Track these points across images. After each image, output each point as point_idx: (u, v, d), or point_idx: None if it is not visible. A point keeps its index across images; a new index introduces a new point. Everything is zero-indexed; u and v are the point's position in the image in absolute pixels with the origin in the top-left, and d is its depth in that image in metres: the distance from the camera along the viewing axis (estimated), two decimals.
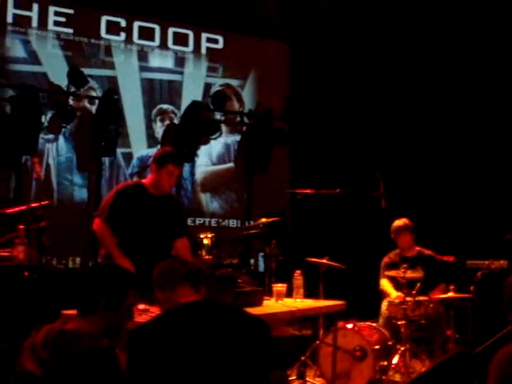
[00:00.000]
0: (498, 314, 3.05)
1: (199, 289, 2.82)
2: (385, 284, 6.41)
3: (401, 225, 6.49)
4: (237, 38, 8.77)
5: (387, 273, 6.30)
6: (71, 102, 7.47)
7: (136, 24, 8.13)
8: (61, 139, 7.58)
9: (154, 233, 4.81)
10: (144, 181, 5.03)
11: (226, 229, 8.37)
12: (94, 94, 7.78)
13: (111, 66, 7.98)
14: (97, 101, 7.56)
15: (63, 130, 7.51)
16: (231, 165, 8.62)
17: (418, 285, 5.99)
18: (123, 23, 8.04)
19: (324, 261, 5.63)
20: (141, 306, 3.94)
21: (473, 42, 8.03)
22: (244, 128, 8.53)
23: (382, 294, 6.45)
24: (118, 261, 4.52)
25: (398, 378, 5.77)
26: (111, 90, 7.48)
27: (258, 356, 2.57)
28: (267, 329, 2.70)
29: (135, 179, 7.56)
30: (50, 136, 7.50)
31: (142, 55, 8.18)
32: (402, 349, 5.76)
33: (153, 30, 8.27)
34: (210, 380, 2.43)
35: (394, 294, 6.21)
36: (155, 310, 3.90)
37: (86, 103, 7.69)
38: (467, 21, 7.99)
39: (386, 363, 5.75)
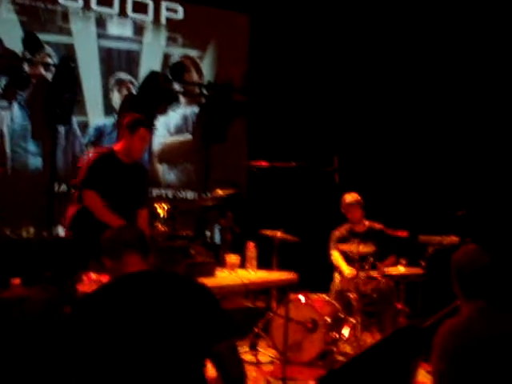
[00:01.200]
0: (448, 289, 3.12)
1: (147, 257, 2.80)
2: (337, 257, 6.48)
3: (351, 200, 6.57)
4: (197, 8, 8.67)
5: (340, 246, 6.38)
6: (26, 68, 7.31)
7: None
8: (15, 107, 7.43)
9: (123, 202, 4.86)
10: (115, 148, 5.01)
11: (182, 200, 8.36)
12: (50, 61, 7.62)
13: (68, 33, 7.82)
14: (53, 68, 7.41)
15: (18, 97, 7.36)
16: (189, 136, 8.58)
17: (371, 259, 6.09)
18: None
19: (278, 234, 5.68)
20: (93, 276, 3.93)
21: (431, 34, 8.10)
22: (203, 100, 8.48)
23: (334, 267, 6.54)
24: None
25: (348, 349, 5.89)
26: (68, 57, 7.33)
27: (205, 325, 2.57)
28: (214, 298, 2.70)
29: (90, 148, 7.52)
30: (4, 103, 7.35)
31: (101, 22, 8.03)
32: (354, 321, 5.86)
33: None
34: (155, 350, 2.43)
35: (346, 269, 6.29)
36: (106, 279, 3.90)
37: (42, 70, 7.53)
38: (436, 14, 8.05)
39: (337, 335, 5.84)
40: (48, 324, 2.42)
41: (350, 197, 6.58)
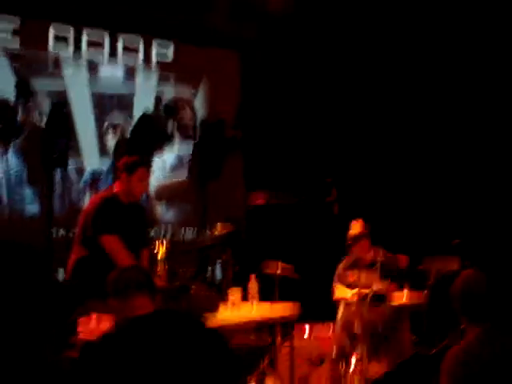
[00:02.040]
0: (453, 316, 3.10)
1: (155, 298, 2.79)
2: (339, 288, 6.42)
3: (357, 233, 6.49)
4: (187, 47, 8.73)
5: (343, 279, 6.32)
6: (19, 115, 7.34)
7: (85, 35, 8.00)
8: (10, 153, 7.44)
9: (129, 243, 4.82)
10: (115, 190, 5.00)
11: (182, 237, 8.33)
12: (43, 107, 7.64)
13: (60, 79, 7.85)
14: (46, 114, 7.44)
15: (12, 144, 7.38)
16: (185, 175, 8.58)
17: (375, 288, 6.04)
18: (71, 35, 7.92)
19: (278, 271, 5.66)
20: (94, 316, 3.89)
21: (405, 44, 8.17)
22: (197, 137, 8.51)
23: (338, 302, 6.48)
24: None
25: (356, 381, 5.82)
26: (60, 103, 7.37)
27: (217, 370, 2.54)
28: (225, 341, 2.67)
29: (87, 192, 7.52)
30: None
31: (92, 67, 8.06)
32: (360, 353, 5.80)
33: (102, 41, 8.17)
34: None
35: (349, 293, 6.23)
36: (108, 320, 3.86)
37: (35, 116, 7.57)
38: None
39: (343, 367, 5.78)
40: (46, 368, 2.37)
41: (355, 231, 6.48)
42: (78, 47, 7.95)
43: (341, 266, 6.55)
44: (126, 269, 3.02)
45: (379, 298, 6.09)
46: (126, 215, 4.92)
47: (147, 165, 5.03)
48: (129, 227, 4.90)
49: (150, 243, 5.27)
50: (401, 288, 6.09)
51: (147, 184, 5.07)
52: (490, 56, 7.77)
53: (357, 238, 6.48)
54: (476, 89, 7.88)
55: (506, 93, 7.71)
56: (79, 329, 3.67)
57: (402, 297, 5.97)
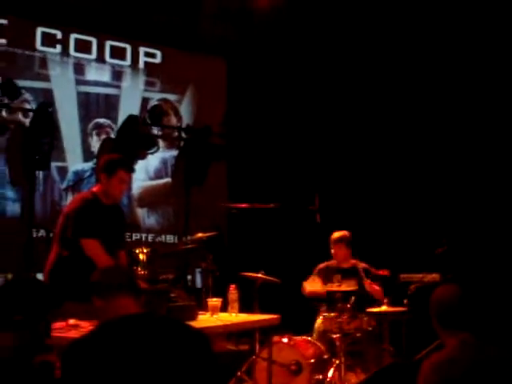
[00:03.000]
0: (431, 327, 3.11)
1: (139, 298, 2.76)
2: (310, 283, 6.42)
3: (337, 236, 6.58)
4: (175, 52, 8.75)
5: (324, 287, 6.33)
6: (4, 114, 7.29)
7: (72, 36, 8.01)
8: None
9: (109, 244, 4.81)
10: (95, 190, 4.97)
11: (162, 244, 8.30)
12: (28, 106, 7.62)
13: (46, 79, 7.84)
14: (31, 114, 7.39)
15: None
16: (168, 180, 8.57)
17: (353, 298, 6.05)
18: (59, 35, 7.92)
19: (259, 275, 5.65)
20: (71, 321, 3.86)
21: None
22: (181, 143, 8.49)
23: (318, 309, 6.48)
24: None
25: None
26: (46, 102, 7.33)
27: (199, 373, 2.51)
28: (209, 344, 2.65)
29: (70, 193, 7.47)
30: None
31: (79, 68, 8.06)
32: (337, 362, 5.79)
33: (90, 43, 8.17)
34: None
35: (319, 286, 6.25)
36: (86, 325, 3.83)
37: (20, 116, 7.52)
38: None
39: (321, 377, 5.76)
40: (18, 371, 2.33)
41: (337, 234, 6.59)
42: (65, 48, 7.93)
43: (320, 266, 6.60)
44: (109, 269, 3.00)
45: (359, 308, 6.10)
46: (106, 216, 4.88)
47: (128, 166, 4.97)
48: (108, 228, 4.87)
49: (126, 246, 5.26)
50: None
51: (127, 186, 5.03)
52: (482, 57, 7.79)
53: (335, 242, 6.54)
54: (460, 102, 7.94)
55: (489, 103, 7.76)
56: (55, 332, 3.64)
57: (380, 307, 5.98)
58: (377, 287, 6.32)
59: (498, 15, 7.60)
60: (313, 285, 6.40)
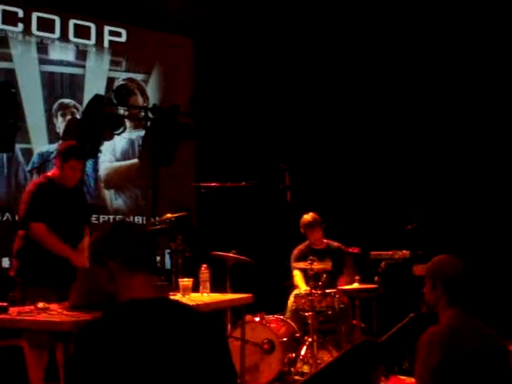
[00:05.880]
0: (401, 303, 3.11)
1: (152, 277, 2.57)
2: (297, 276, 6.46)
3: (310, 220, 6.56)
4: (140, 31, 8.61)
5: (296, 265, 6.35)
6: None
7: (35, 15, 7.81)
8: None
9: (68, 226, 4.90)
10: (50, 174, 5.06)
11: None
12: None
13: (8, 58, 7.64)
14: None
15: None
16: (135, 160, 8.46)
17: (324, 276, 6.08)
18: (21, 13, 7.72)
19: (230, 254, 5.62)
20: (40, 305, 3.79)
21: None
22: (148, 123, 8.38)
23: (290, 288, 6.50)
24: (72, 258, 4.70)
25: (306, 369, 5.83)
26: (8, 83, 7.15)
27: (212, 360, 2.40)
28: (224, 332, 2.56)
29: (35, 175, 7.33)
30: None
31: (42, 47, 7.88)
32: (310, 340, 5.82)
33: (53, 21, 7.98)
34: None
35: (303, 287, 6.27)
36: (55, 308, 3.76)
37: None
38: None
39: (294, 355, 5.79)
40: None
41: (309, 217, 6.56)
42: (27, 26, 7.74)
43: (295, 252, 6.59)
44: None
45: (330, 284, 6.13)
46: (63, 198, 4.96)
47: (79, 154, 5.04)
48: (68, 209, 4.96)
49: (93, 227, 5.27)
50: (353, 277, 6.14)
51: (79, 174, 5.13)
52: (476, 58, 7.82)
53: (308, 226, 6.53)
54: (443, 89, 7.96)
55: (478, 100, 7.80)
56: (24, 316, 3.58)
57: (351, 284, 6.02)
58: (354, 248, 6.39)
59: (498, 15, 7.63)
60: (298, 280, 6.42)
